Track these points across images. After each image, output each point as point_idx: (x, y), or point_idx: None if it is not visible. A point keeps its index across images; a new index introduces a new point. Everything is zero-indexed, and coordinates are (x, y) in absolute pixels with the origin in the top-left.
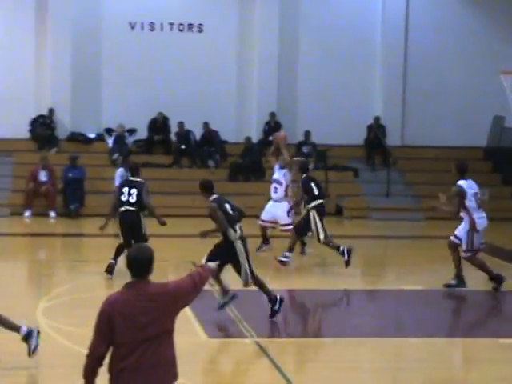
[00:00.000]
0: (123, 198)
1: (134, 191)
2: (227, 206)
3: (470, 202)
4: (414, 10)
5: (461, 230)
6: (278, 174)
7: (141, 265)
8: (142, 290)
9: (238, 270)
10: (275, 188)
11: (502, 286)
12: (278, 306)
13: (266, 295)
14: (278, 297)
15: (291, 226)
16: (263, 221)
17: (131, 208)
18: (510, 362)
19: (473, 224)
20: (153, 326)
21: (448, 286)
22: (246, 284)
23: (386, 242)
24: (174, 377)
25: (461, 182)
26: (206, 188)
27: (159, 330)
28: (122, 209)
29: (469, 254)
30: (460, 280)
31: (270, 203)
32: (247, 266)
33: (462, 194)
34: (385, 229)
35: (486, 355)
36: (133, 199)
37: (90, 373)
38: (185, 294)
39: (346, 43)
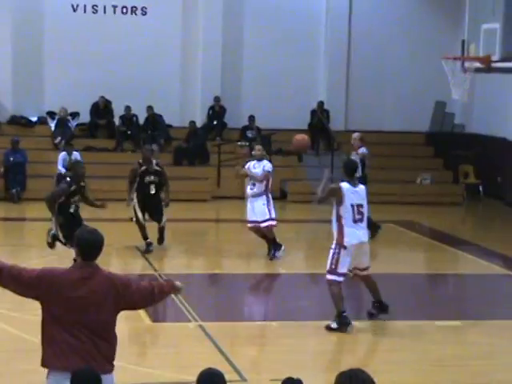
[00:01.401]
0: None
1: None
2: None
3: (346, 213)
4: None
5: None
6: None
7: (93, 248)
8: (87, 273)
9: None
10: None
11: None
12: None
13: None
14: None
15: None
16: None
17: None
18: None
19: (341, 238)
20: (88, 313)
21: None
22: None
23: (329, 226)
24: (104, 370)
25: (343, 184)
26: None
27: (94, 318)
28: None
29: (333, 276)
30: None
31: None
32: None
33: (337, 194)
34: (328, 213)
35: (424, 337)
36: None
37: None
38: (131, 295)
39: (291, 28)
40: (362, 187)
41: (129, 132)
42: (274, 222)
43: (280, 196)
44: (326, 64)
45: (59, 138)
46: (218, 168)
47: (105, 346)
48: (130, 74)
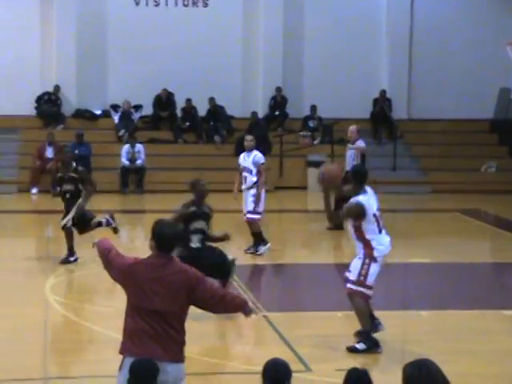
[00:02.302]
0: None
1: None
2: None
3: (371, 225)
4: None
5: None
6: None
7: (171, 240)
8: (162, 263)
9: None
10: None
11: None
12: None
13: None
14: None
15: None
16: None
17: None
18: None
19: (370, 252)
20: (161, 301)
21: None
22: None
23: (392, 215)
24: (177, 358)
25: (362, 198)
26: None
27: (166, 307)
28: None
29: (362, 288)
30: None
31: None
32: None
33: (361, 213)
34: (391, 202)
35: (491, 327)
36: None
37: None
38: (203, 291)
39: (352, 16)
40: (370, 189)
41: (187, 124)
42: (256, 216)
43: None
44: (387, 53)
45: (123, 131)
46: (281, 158)
47: (176, 336)
48: (191, 65)
